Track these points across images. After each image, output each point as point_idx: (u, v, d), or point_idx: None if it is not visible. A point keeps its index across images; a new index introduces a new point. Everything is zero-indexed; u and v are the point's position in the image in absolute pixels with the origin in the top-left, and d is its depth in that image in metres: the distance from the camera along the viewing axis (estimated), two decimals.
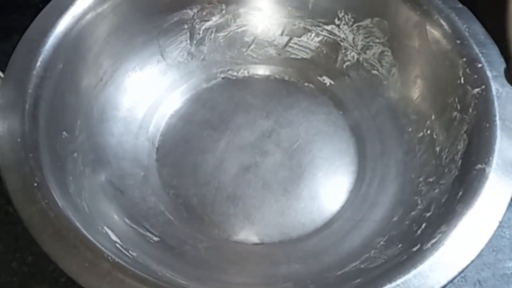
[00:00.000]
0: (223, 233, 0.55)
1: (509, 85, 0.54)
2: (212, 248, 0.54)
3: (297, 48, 0.66)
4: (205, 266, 0.53)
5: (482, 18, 0.57)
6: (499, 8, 0.56)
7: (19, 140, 0.49)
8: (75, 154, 0.54)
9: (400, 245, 0.50)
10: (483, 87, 0.54)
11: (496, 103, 0.53)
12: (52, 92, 0.53)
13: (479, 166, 0.50)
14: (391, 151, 0.59)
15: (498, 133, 0.51)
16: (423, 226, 0.50)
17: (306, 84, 0.64)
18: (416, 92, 0.60)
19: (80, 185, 0.52)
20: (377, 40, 0.62)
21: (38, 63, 0.53)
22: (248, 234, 0.55)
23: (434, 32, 0.58)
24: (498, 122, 0.52)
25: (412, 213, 0.53)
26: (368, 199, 0.57)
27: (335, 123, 0.61)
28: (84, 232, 0.46)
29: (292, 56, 0.66)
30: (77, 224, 0.47)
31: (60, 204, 0.47)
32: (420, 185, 0.55)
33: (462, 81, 0.55)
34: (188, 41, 0.64)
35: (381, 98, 0.61)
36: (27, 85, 0.52)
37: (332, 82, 0.63)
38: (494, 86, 0.54)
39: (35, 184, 0.47)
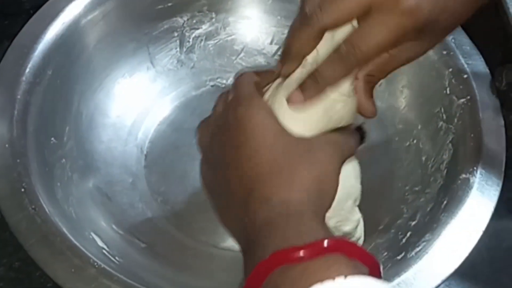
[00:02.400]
0: (211, 240, 0.55)
1: (493, 95, 0.54)
2: (199, 255, 0.54)
3: None
4: (192, 273, 0.53)
5: (468, 29, 0.57)
6: (485, 19, 0.57)
7: (7, 145, 0.50)
8: (64, 160, 0.54)
9: (385, 253, 0.50)
10: (469, 97, 0.55)
11: (481, 114, 0.54)
12: (41, 99, 0.54)
13: (464, 175, 0.51)
14: (379, 160, 0.59)
15: (483, 143, 0.52)
16: (408, 234, 0.51)
17: None
18: (403, 102, 0.60)
19: (68, 191, 0.53)
20: None
21: (28, 69, 0.54)
22: (234, 242, 0.56)
23: None
24: (482, 132, 0.52)
25: (398, 221, 0.54)
26: None
27: None
28: (71, 238, 0.47)
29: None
30: (64, 230, 0.47)
31: (47, 210, 0.48)
32: (407, 194, 0.56)
33: (448, 92, 0.56)
34: (178, 49, 0.65)
35: None
36: (16, 91, 0.53)
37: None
38: (480, 97, 0.54)
39: (23, 190, 0.48)
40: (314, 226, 0.35)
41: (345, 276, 0.30)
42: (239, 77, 0.44)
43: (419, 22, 0.38)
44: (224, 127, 0.41)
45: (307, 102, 0.40)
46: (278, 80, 0.43)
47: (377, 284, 0.31)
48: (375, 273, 0.33)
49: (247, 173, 0.38)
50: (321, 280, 0.30)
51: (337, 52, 0.39)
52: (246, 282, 0.33)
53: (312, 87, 0.40)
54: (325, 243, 0.32)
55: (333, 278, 0.30)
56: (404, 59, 0.41)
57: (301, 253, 0.31)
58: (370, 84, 0.42)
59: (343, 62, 0.39)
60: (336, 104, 0.41)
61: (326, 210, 0.39)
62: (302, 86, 0.41)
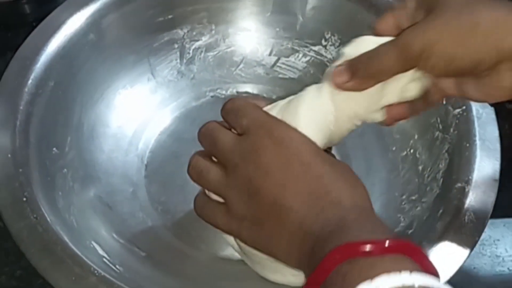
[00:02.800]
0: (211, 248, 0.56)
1: (489, 106, 0.55)
2: (199, 264, 0.55)
3: (285, 68, 0.67)
4: (192, 281, 0.54)
5: None
6: None
7: (9, 155, 0.50)
8: (65, 170, 0.55)
9: None
10: (464, 107, 0.55)
11: (476, 124, 0.54)
12: (43, 109, 0.55)
13: (459, 184, 0.51)
14: (376, 169, 0.60)
15: (478, 152, 0.53)
16: None
17: None
18: None
19: (69, 200, 0.53)
20: None
21: (30, 81, 0.55)
22: (234, 251, 0.56)
23: None
24: (478, 142, 0.53)
25: (395, 230, 0.54)
26: None
27: None
28: (72, 246, 0.47)
29: (280, 75, 0.67)
30: (65, 238, 0.48)
31: (48, 219, 0.48)
32: (403, 203, 0.56)
33: (444, 102, 0.57)
34: (178, 60, 0.65)
35: None
36: (19, 102, 0.53)
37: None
38: (475, 107, 0.55)
39: (25, 199, 0.48)
40: (380, 225, 0.37)
41: (411, 272, 0.31)
42: (239, 106, 0.43)
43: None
44: (257, 152, 0.40)
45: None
46: (284, 101, 0.44)
47: (438, 284, 0.32)
48: None
49: (310, 184, 0.39)
50: (387, 271, 0.31)
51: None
52: (313, 275, 0.34)
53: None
54: (394, 242, 0.33)
55: (400, 271, 0.31)
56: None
57: (371, 247, 0.33)
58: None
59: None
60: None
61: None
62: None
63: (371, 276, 0.31)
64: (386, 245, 0.33)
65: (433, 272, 0.34)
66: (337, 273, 0.33)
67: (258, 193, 0.40)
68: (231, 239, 0.50)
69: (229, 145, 0.42)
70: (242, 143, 0.41)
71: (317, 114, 0.43)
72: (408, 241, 0.34)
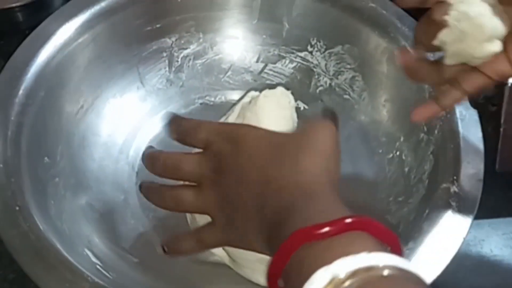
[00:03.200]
0: (201, 254, 0.56)
1: (472, 107, 0.56)
2: (190, 269, 0.56)
3: (272, 74, 0.68)
4: (184, 286, 0.55)
5: None
6: None
7: (1, 165, 0.51)
8: (57, 178, 0.56)
9: None
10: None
11: (460, 125, 0.55)
12: (34, 119, 0.55)
13: (444, 185, 0.52)
14: (363, 172, 0.61)
15: (462, 153, 0.54)
16: None
17: None
18: (385, 115, 0.62)
19: (61, 208, 0.54)
20: (348, 66, 0.64)
21: (21, 91, 0.55)
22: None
23: None
24: (462, 143, 0.54)
25: None
26: None
27: None
28: (65, 253, 0.48)
29: (268, 81, 0.68)
30: (58, 246, 0.48)
31: (41, 227, 0.49)
32: (390, 204, 0.57)
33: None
34: (167, 69, 0.66)
35: (352, 121, 0.64)
36: (10, 112, 0.54)
37: (306, 107, 0.66)
38: (458, 109, 0.56)
39: (17, 208, 0.49)
40: (332, 204, 0.37)
41: (369, 251, 0.30)
42: (193, 124, 0.47)
43: None
44: (220, 160, 0.43)
45: None
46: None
47: (399, 260, 0.31)
48: (396, 250, 0.33)
49: (257, 176, 0.41)
50: (344, 254, 0.30)
51: None
52: (272, 264, 0.34)
53: None
54: (348, 220, 0.32)
55: (357, 252, 0.30)
56: None
57: (324, 229, 0.32)
58: None
59: None
60: None
61: (337, 186, 0.41)
62: None
63: (328, 260, 0.30)
64: (342, 223, 0.32)
65: (394, 243, 0.33)
66: (294, 260, 0.33)
67: (225, 197, 0.43)
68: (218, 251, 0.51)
69: (194, 164, 0.45)
70: (205, 157, 0.45)
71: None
72: (362, 215, 0.33)
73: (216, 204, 0.44)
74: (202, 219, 0.50)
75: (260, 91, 0.55)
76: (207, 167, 0.44)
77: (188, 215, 0.55)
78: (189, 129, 0.47)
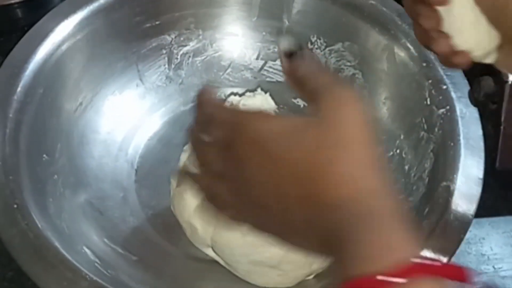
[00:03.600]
0: (200, 252, 0.56)
1: (472, 105, 0.56)
2: (188, 267, 0.56)
3: (272, 72, 0.68)
4: (182, 284, 0.55)
5: None
6: None
7: (0, 163, 0.51)
8: (56, 176, 0.56)
9: None
10: (448, 107, 0.56)
11: (460, 123, 0.55)
12: (33, 117, 0.55)
13: (444, 183, 0.52)
14: None
15: (462, 151, 0.54)
16: None
17: (280, 106, 0.66)
18: (385, 113, 0.62)
19: (60, 206, 0.54)
20: (348, 63, 0.64)
21: (19, 89, 0.55)
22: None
23: (402, 55, 0.60)
24: (462, 141, 0.54)
25: None
26: None
27: None
28: (63, 252, 0.48)
29: (267, 79, 0.68)
30: (57, 244, 0.48)
31: (39, 225, 0.49)
32: None
33: (429, 102, 0.57)
34: (167, 66, 0.66)
35: None
36: (8, 110, 0.54)
37: (306, 104, 0.65)
38: (459, 107, 0.56)
39: (15, 206, 0.49)
40: (394, 228, 0.30)
41: None
42: (207, 116, 0.36)
43: None
44: (243, 166, 0.34)
45: None
46: None
47: None
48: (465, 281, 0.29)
49: (295, 190, 0.32)
50: None
51: None
52: None
53: None
54: (411, 267, 0.27)
55: None
56: None
57: (392, 279, 0.27)
58: None
59: None
60: None
61: (389, 180, 0.32)
62: None
63: None
64: (405, 269, 0.27)
65: (464, 276, 0.28)
66: None
67: (266, 206, 0.34)
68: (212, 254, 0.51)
69: (219, 163, 0.35)
70: (228, 164, 0.35)
71: None
72: (426, 258, 0.28)
73: (247, 210, 0.35)
74: (202, 230, 0.50)
75: (241, 94, 0.55)
76: (229, 174, 0.35)
77: (185, 226, 0.55)
78: (204, 122, 0.36)
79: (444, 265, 0.29)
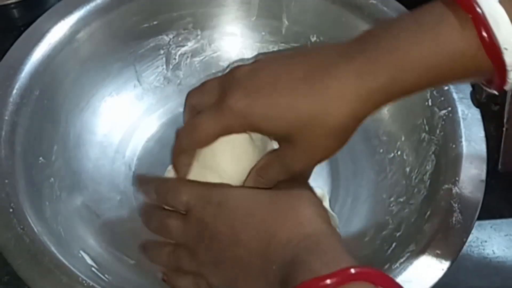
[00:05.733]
0: None
1: (474, 107, 0.55)
2: None
3: None
4: None
5: None
6: None
7: None
8: (52, 179, 0.55)
9: (371, 265, 0.51)
10: (450, 109, 0.56)
11: (462, 125, 0.55)
12: (29, 119, 0.55)
13: (446, 186, 0.51)
14: (363, 172, 0.60)
15: (464, 153, 0.53)
16: (393, 245, 0.51)
17: None
18: (386, 113, 0.61)
19: (57, 210, 0.53)
20: None
21: (15, 90, 0.55)
22: None
23: None
24: (464, 143, 0.53)
25: (383, 232, 0.54)
26: (341, 220, 0.58)
27: None
28: (60, 256, 0.47)
29: None
30: (53, 249, 0.48)
31: (35, 229, 0.48)
32: (391, 205, 0.56)
33: (430, 103, 0.57)
34: (164, 66, 0.65)
35: None
36: (4, 112, 0.53)
37: None
38: (460, 108, 0.55)
39: (11, 210, 0.48)
40: (337, 254, 0.37)
41: None
42: (172, 186, 0.45)
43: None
44: (204, 225, 0.42)
45: None
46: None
47: None
48: None
49: (256, 233, 0.40)
50: None
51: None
52: None
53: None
54: (352, 270, 0.34)
55: None
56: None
57: (327, 281, 0.33)
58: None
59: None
60: None
61: (337, 231, 0.41)
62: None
63: None
64: (344, 274, 0.33)
65: None
66: None
67: (222, 261, 0.41)
68: None
69: (179, 230, 0.43)
70: (190, 223, 0.43)
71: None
72: (366, 266, 0.35)
73: (212, 267, 0.42)
74: None
75: None
76: (192, 235, 0.42)
77: None
78: (168, 191, 0.45)
79: (377, 273, 0.35)
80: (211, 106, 0.43)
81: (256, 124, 0.41)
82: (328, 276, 0.33)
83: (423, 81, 0.40)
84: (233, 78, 0.43)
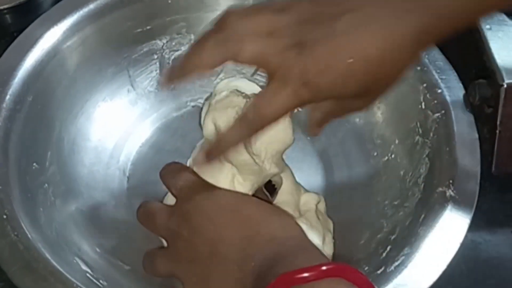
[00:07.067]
0: None
1: (467, 110, 0.55)
2: None
3: (265, 76, 0.67)
4: None
5: (442, 45, 0.59)
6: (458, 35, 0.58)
7: None
8: (46, 185, 0.55)
9: (366, 268, 0.51)
10: (443, 112, 0.56)
11: (455, 127, 0.55)
12: (22, 125, 0.54)
13: (440, 189, 0.52)
14: (358, 175, 0.60)
15: (458, 156, 0.53)
16: (388, 248, 0.51)
17: None
18: (380, 117, 0.61)
19: (51, 216, 0.53)
20: None
21: (8, 97, 0.54)
22: None
23: None
24: (457, 146, 0.54)
25: (378, 235, 0.54)
26: (336, 223, 0.58)
27: (303, 149, 0.62)
28: (54, 263, 0.47)
29: (261, 84, 0.67)
30: (47, 255, 0.48)
31: (30, 236, 0.48)
32: (386, 208, 0.56)
33: (423, 106, 0.57)
34: (158, 71, 0.65)
35: (347, 123, 0.63)
36: None
37: (300, 109, 0.65)
38: (454, 111, 0.56)
39: (5, 217, 0.48)
40: (318, 256, 0.39)
41: None
42: (175, 168, 0.48)
43: (317, 97, 0.42)
44: (189, 214, 0.43)
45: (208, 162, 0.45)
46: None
47: None
48: None
49: (240, 230, 0.41)
50: None
51: (241, 116, 0.43)
52: None
53: (214, 149, 0.44)
54: (326, 267, 0.35)
55: None
56: (346, 111, 0.49)
57: (304, 274, 0.35)
58: (325, 120, 0.49)
59: (246, 124, 0.43)
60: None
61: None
62: (206, 149, 0.45)
63: None
64: (322, 269, 0.35)
65: None
66: None
67: (197, 258, 0.42)
68: None
69: (163, 220, 0.45)
70: (174, 215, 0.44)
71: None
72: (343, 263, 0.36)
73: (186, 265, 0.43)
74: None
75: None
76: (172, 228, 0.44)
77: None
78: (172, 172, 0.48)
79: (351, 270, 0.36)
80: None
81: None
82: (306, 270, 0.35)
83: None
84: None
